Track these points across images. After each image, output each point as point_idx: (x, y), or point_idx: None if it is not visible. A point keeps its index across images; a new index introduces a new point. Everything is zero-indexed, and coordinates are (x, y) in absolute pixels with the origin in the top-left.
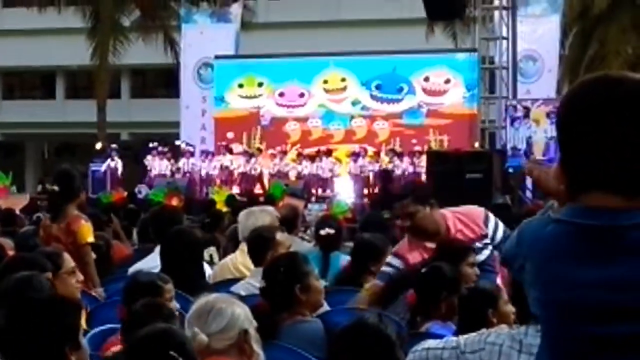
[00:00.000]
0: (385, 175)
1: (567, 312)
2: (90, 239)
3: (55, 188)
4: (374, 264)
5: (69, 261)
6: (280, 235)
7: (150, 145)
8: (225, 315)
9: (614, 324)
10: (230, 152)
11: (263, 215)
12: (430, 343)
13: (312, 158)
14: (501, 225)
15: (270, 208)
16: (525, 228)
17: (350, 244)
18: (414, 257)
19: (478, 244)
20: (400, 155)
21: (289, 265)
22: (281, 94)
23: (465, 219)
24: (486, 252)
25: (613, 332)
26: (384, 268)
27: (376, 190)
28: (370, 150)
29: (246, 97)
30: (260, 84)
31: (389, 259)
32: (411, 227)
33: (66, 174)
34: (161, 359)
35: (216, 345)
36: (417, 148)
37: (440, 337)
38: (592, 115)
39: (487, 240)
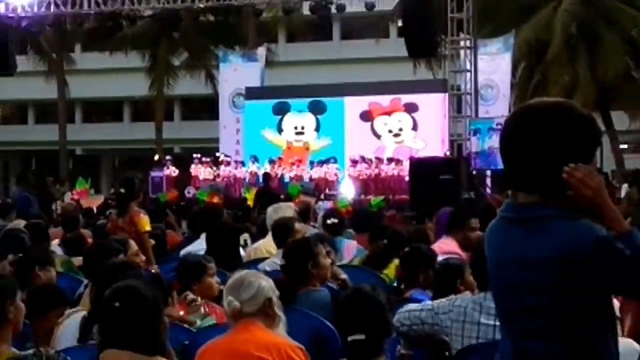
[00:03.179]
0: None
1: (497, 286)
2: (148, 228)
3: (121, 190)
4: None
5: (133, 246)
6: (298, 225)
7: (194, 156)
8: (254, 287)
9: (524, 295)
10: (257, 160)
11: (286, 210)
12: (411, 306)
13: (321, 164)
14: None
15: (290, 204)
16: (486, 230)
17: (351, 230)
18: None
19: None
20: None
21: (303, 248)
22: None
23: None
24: None
25: (525, 301)
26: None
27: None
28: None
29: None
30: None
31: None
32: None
33: (129, 180)
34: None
35: (247, 310)
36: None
37: (420, 301)
38: (503, 135)
39: None
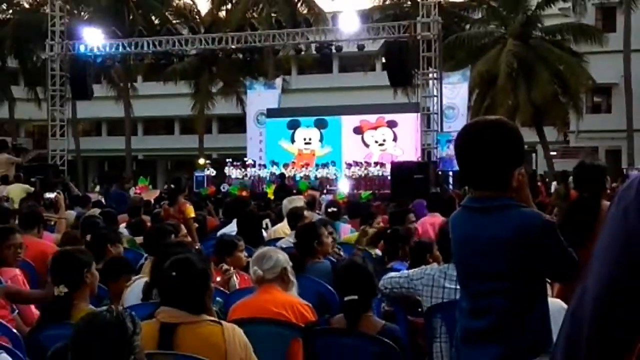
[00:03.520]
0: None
1: (460, 269)
2: (193, 215)
3: (172, 186)
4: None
5: (182, 229)
6: (306, 212)
7: (227, 161)
8: (273, 259)
9: (481, 264)
10: (276, 164)
11: (297, 201)
12: (392, 274)
13: (323, 167)
14: None
15: (300, 196)
16: (450, 217)
17: (346, 216)
18: None
19: None
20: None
21: (310, 230)
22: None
23: None
24: None
25: (482, 268)
26: None
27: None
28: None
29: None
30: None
31: None
32: None
33: (178, 178)
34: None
35: (267, 277)
36: (383, 161)
37: (399, 270)
38: (460, 145)
39: None
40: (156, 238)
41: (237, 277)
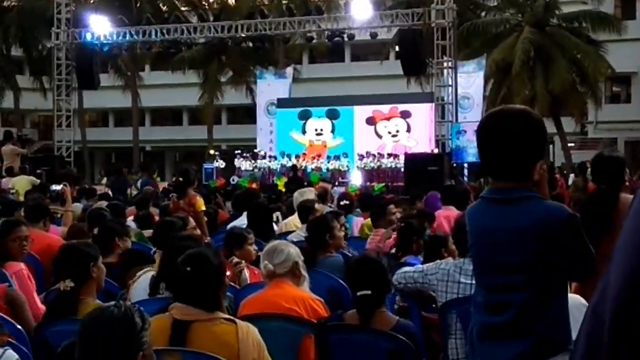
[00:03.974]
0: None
1: (477, 262)
2: (203, 208)
3: (180, 179)
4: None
5: (191, 222)
6: (317, 205)
7: (237, 152)
8: (284, 253)
9: (501, 256)
10: (288, 156)
11: (308, 193)
12: (406, 269)
13: (335, 159)
14: None
15: (311, 189)
16: (467, 208)
17: (359, 209)
18: None
19: None
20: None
21: (322, 223)
22: (318, 133)
23: None
24: None
25: (501, 260)
26: None
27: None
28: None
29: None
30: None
31: None
32: None
33: (186, 170)
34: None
35: (278, 271)
36: (396, 152)
37: (413, 265)
38: (484, 135)
39: None
40: (165, 231)
41: (247, 271)
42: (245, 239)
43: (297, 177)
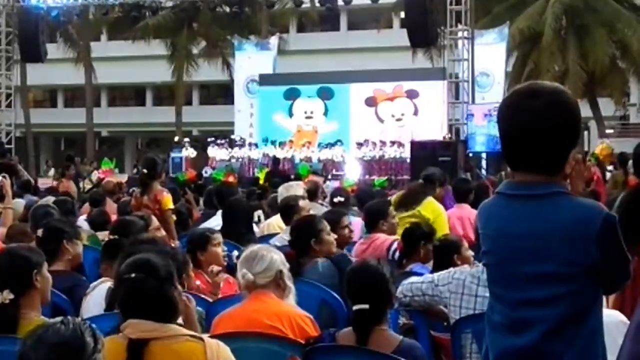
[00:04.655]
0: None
1: (494, 272)
2: (170, 206)
3: (144, 170)
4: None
5: (155, 221)
6: (302, 202)
7: (210, 138)
8: (266, 260)
9: (527, 264)
10: (272, 144)
11: (296, 188)
12: (413, 279)
13: (328, 147)
14: None
15: (300, 183)
16: (480, 207)
17: (356, 208)
18: None
19: None
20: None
21: (307, 225)
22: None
23: None
24: None
25: (529, 270)
26: None
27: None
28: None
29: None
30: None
31: None
32: None
33: (151, 159)
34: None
35: (259, 282)
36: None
37: (420, 275)
38: (502, 114)
39: None
40: (124, 234)
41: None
42: (208, 240)
43: (279, 171)
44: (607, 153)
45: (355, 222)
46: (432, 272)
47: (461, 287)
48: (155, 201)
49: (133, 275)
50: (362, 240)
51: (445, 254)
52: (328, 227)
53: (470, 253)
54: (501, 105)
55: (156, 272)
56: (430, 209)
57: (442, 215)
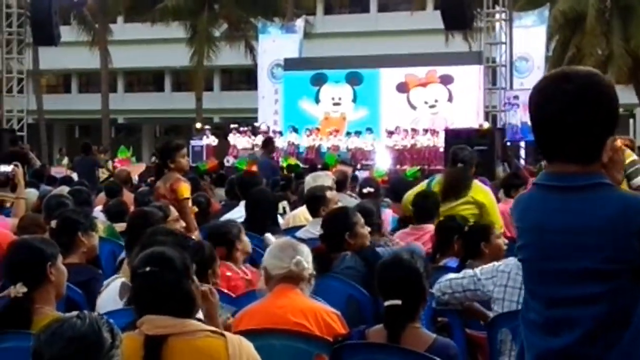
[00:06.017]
0: None
1: (531, 268)
2: (187, 195)
3: (156, 157)
4: None
5: (173, 212)
6: (329, 193)
7: (232, 126)
8: (292, 254)
9: (563, 260)
10: (296, 131)
11: (324, 178)
12: (451, 276)
13: (357, 135)
14: None
15: (328, 173)
16: (516, 199)
17: (387, 199)
18: None
19: None
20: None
21: (341, 217)
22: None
23: None
24: None
25: (567, 266)
26: None
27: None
28: (401, 128)
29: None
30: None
31: None
32: None
33: (165, 145)
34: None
35: (285, 276)
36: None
37: (454, 269)
38: (534, 100)
39: None
40: (142, 225)
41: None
42: (240, 230)
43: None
44: None
45: (387, 213)
46: (460, 261)
47: (506, 279)
48: (172, 191)
49: (148, 269)
50: (409, 230)
51: (472, 241)
52: (362, 220)
53: (504, 241)
54: (532, 90)
55: (172, 264)
56: (482, 193)
57: (493, 198)
